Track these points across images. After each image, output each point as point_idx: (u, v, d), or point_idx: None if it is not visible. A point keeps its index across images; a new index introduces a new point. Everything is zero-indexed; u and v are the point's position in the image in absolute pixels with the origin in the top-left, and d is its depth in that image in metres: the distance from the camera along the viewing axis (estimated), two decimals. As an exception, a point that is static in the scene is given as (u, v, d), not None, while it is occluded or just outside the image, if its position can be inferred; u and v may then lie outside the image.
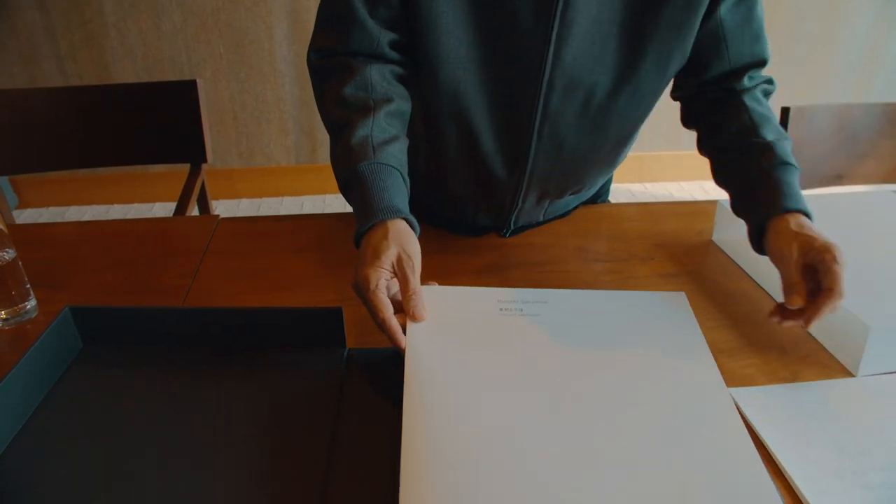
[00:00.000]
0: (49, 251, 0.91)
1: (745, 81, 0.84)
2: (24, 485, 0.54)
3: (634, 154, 2.92)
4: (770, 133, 0.80)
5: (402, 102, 0.79)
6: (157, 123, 1.33)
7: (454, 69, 0.78)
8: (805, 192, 0.76)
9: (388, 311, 0.63)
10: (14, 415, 0.60)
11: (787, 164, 0.77)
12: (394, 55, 0.80)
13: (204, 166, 1.36)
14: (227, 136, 2.66)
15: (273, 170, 2.75)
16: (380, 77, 0.78)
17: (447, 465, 0.53)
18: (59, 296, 0.81)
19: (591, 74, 0.79)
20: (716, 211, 0.93)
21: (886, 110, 1.32)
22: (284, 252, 0.91)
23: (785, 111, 1.26)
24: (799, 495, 0.54)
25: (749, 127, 0.81)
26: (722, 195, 0.86)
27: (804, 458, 0.57)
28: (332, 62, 0.80)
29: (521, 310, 0.72)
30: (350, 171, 0.72)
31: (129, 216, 2.62)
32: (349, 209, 0.76)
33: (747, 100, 0.83)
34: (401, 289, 0.66)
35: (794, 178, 0.77)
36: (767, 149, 0.78)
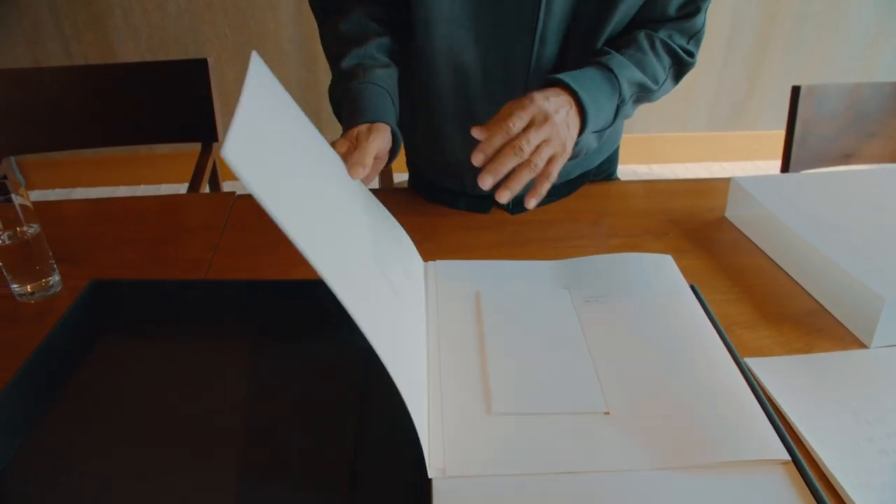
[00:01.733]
0: (67, 228, 0.92)
1: (661, 33, 0.86)
2: (56, 458, 0.56)
3: (640, 135, 2.92)
4: (621, 49, 0.83)
5: (393, 42, 0.85)
6: (167, 103, 1.33)
7: (448, 26, 0.81)
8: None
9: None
10: (45, 387, 0.61)
11: (602, 64, 0.80)
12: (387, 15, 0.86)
13: (214, 145, 1.37)
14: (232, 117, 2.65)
15: (278, 151, 2.74)
16: (376, 17, 0.85)
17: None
18: (81, 271, 0.82)
19: (580, 29, 0.82)
20: (729, 188, 0.94)
21: (895, 90, 1.32)
22: (301, 228, 0.91)
23: (795, 90, 1.26)
24: (818, 461, 0.56)
25: (618, 47, 0.84)
26: (733, 173, 0.87)
27: (822, 426, 0.59)
28: (332, 3, 0.87)
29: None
30: (342, 92, 0.78)
31: (135, 198, 2.62)
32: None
33: (642, 37, 0.85)
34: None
35: (595, 72, 0.79)
36: (606, 52, 0.82)
